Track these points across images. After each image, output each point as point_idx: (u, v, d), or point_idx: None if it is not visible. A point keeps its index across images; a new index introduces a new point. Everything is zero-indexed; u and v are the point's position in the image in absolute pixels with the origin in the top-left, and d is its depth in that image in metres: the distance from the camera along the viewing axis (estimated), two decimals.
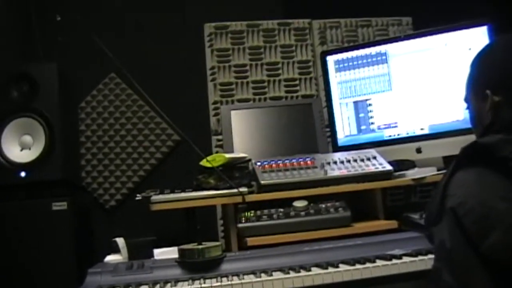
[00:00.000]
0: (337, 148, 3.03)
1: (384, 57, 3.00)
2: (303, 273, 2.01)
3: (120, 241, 2.48)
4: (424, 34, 2.96)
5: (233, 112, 3.11)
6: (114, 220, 3.66)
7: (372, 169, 2.63)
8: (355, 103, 3.03)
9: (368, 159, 2.69)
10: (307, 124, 3.10)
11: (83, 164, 3.63)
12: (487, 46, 1.84)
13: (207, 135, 3.34)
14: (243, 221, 2.42)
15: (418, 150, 2.90)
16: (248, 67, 3.44)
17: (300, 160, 2.68)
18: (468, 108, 1.84)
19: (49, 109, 2.94)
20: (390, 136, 2.97)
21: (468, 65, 1.82)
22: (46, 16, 3.62)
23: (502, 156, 1.44)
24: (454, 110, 2.84)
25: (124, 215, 3.65)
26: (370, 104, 3.00)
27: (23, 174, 2.90)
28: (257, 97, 3.42)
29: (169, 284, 1.98)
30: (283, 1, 3.90)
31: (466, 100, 1.85)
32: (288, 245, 2.29)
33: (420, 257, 2.09)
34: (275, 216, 2.43)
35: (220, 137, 3.24)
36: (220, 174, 2.53)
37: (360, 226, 2.49)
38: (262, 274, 2.01)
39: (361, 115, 3.02)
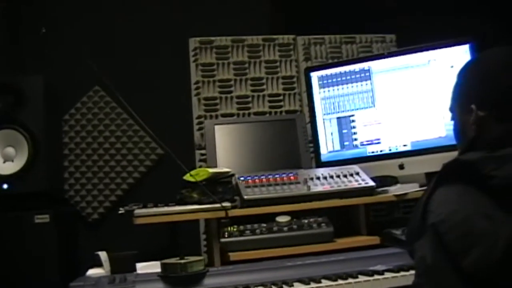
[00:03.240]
0: (320, 164, 3.04)
1: (367, 74, 3.02)
2: None
3: (103, 254, 2.47)
4: (407, 52, 2.99)
5: (217, 127, 3.12)
6: (97, 233, 3.64)
7: (355, 185, 2.64)
8: (339, 119, 3.05)
9: (351, 175, 2.71)
10: (290, 140, 3.11)
11: (66, 177, 3.62)
12: (475, 58, 1.84)
13: (191, 150, 3.33)
14: (226, 236, 2.42)
15: (401, 166, 2.92)
16: (232, 82, 3.44)
17: (283, 175, 2.69)
18: (453, 118, 1.84)
19: (33, 121, 2.93)
20: (373, 152, 2.99)
21: (450, 83, 1.82)
22: (32, 28, 3.61)
23: (482, 174, 1.45)
24: (437, 127, 2.87)
25: (107, 229, 3.64)
26: (353, 120, 3.02)
27: (5, 186, 2.89)
28: (241, 112, 3.42)
29: None
30: (268, 17, 3.92)
31: (451, 110, 1.84)
32: (271, 260, 2.30)
33: (402, 273, 2.11)
34: (258, 231, 2.43)
35: (203, 151, 3.23)
36: (203, 188, 2.53)
37: (343, 242, 2.50)
38: None
39: (345, 131, 3.03)
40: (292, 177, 2.68)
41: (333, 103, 3.06)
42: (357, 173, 2.72)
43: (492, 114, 1.62)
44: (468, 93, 1.72)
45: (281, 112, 3.46)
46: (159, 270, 2.17)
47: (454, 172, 1.53)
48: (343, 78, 3.06)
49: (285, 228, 2.45)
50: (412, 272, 2.06)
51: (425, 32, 3.12)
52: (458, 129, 1.79)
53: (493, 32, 3.31)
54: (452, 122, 1.83)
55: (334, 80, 3.07)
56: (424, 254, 1.48)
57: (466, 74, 1.77)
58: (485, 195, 1.44)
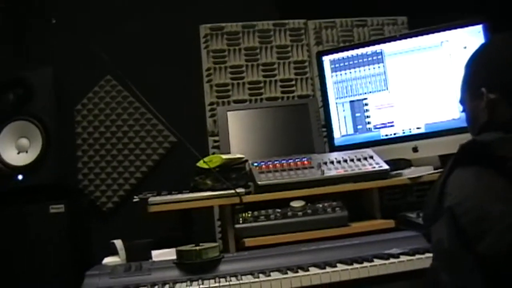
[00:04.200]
0: (334, 148, 3.03)
1: (379, 57, 3.00)
2: (301, 273, 2.01)
3: (118, 243, 2.48)
4: (419, 34, 2.96)
5: (229, 113, 3.11)
6: (112, 222, 3.66)
7: (368, 168, 2.63)
8: (351, 102, 3.03)
9: (365, 158, 2.69)
10: (303, 124, 3.10)
11: (80, 167, 3.63)
12: (481, 46, 1.84)
13: (204, 136, 3.34)
14: (241, 222, 2.42)
15: (415, 149, 2.90)
16: (244, 68, 3.44)
17: (297, 160, 2.68)
18: (464, 110, 1.84)
19: (45, 112, 2.94)
20: (386, 135, 2.97)
21: (463, 63, 1.81)
22: (42, 19, 3.61)
23: (500, 155, 1.44)
24: (450, 109, 2.84)
25: (121, 217, 3.65)
26: (366, 104, 3.00)
27: (20, 177, 2.90)
28: (253, 97, 3.41)
29: (167, 286, 1.98)
30: (278, 2, 3.90)
31: (461, 102, 1.84)
32: (286, 245, 2.29)
33: (418, 256, 2.09)
34: (272, 216, 2.42)
35: (216, 138, 3.23)
36: (217, 175, 2.52)
37: (357, 226, 2.49)
38: (260, 275, 2.01)
39: (358, 114, 3.02)
40: (305, 162, 2.67)
41: (346, 87, 3.05)
42: (371, 157, 2.70)
43: (503, 96, 1.62)
44: (478, 78, 1.72)
45: (293, 97, 3.45)
46: (174, 257, 2.17)
47: (471, 153, 1.53)
48: (355, 62, 3.04)
49: (300, 213, 2.44)
50: (428, 255, 2.06)
51: (437, 13, 3.09)
52: (471, 118, 1.79)
53: (506, 12, 3.27)
54: (464, 114, 1.83)
55: (346, 63, 3.05)
56: (440, 237, 1.47)
57: (474, 62, 1.77)
58: (501, 177, 1.44)
